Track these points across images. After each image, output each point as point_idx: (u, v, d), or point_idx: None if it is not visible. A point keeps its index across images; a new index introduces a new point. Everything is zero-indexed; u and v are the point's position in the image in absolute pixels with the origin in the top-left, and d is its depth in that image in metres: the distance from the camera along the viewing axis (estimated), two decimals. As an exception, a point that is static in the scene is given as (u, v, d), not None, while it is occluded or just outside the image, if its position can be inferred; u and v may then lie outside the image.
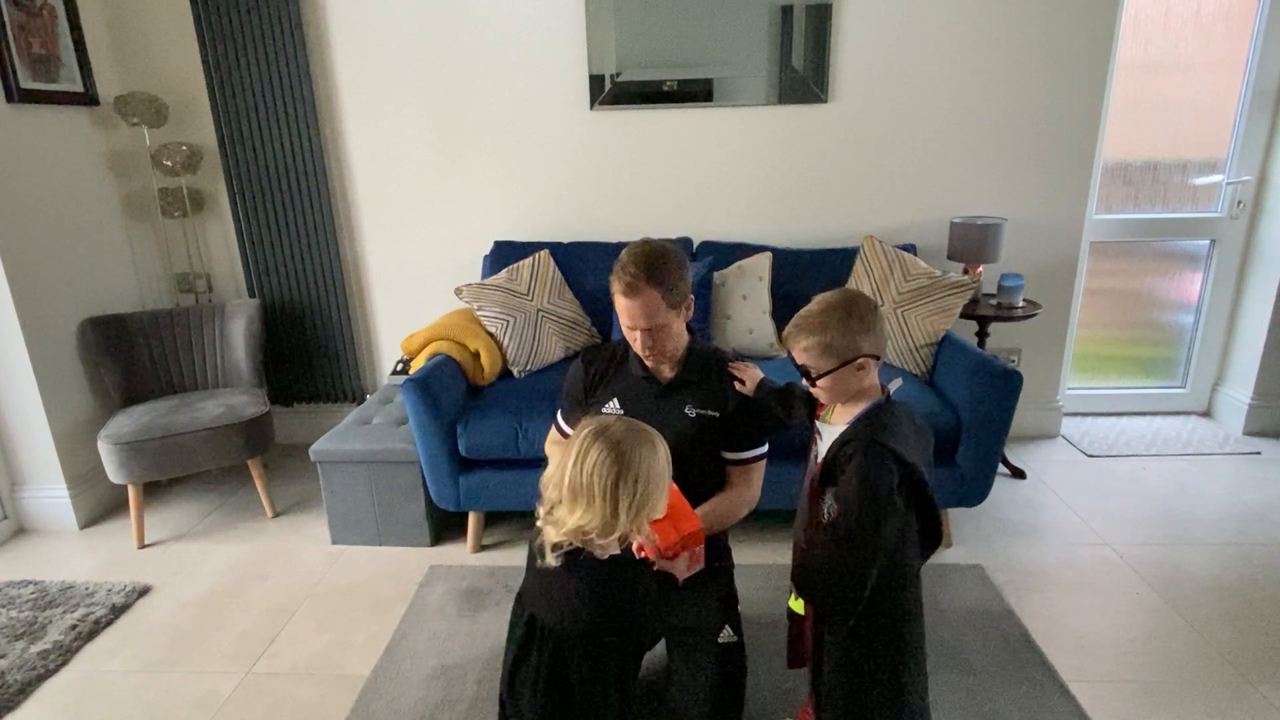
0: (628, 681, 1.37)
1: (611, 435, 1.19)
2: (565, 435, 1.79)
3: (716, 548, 1.74)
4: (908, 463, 1.28)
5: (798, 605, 1.51)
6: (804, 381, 1.40)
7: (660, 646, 1.80)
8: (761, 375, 1.66)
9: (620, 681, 1.34)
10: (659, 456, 1.21)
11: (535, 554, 1.26)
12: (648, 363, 1.67)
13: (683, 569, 1.40)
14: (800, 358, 1.36)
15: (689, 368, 1.68)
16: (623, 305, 1.58)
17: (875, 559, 1.27)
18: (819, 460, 1.39)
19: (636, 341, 1.63)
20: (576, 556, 1.21)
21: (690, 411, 1.65)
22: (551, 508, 1.22)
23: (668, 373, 1.69)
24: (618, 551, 1.23)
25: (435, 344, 2.49)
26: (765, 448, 1.73)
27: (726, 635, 1.62)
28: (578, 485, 1.17)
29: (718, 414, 1.66)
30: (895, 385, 1.42)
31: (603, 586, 1.23)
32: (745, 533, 2.31)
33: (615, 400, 1.71)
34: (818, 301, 1.37)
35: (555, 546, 1.21)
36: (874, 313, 1.34)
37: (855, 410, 1.36)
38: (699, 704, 1.55)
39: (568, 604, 1.26)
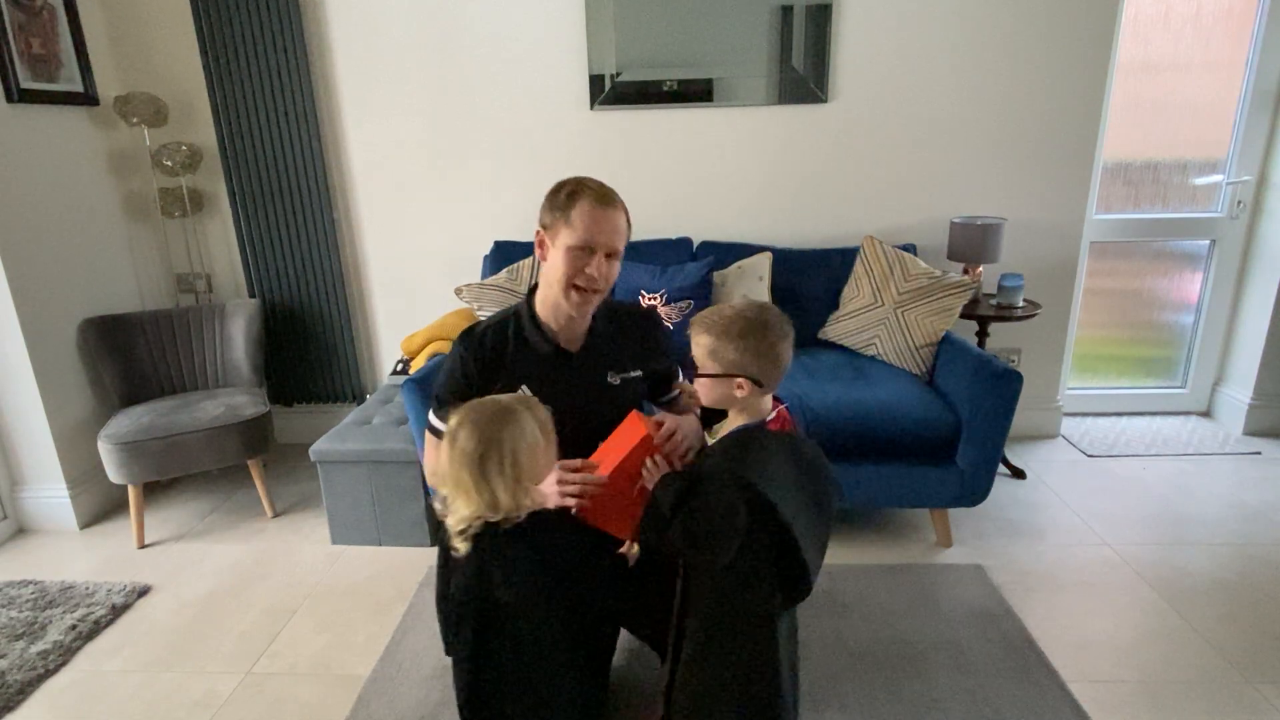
0: (586, 655, 1.38)
1: (473, 423, 1.23)
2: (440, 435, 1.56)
3: None
4: (756, 493, 1.20)
5: None
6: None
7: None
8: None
9: (574, 650, 1.34)
10: (525, 428, 1.25)
11: (450, 547, 1.29)
12: (583, 307, 1.48)
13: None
14: (693, 349, 1.39)
15: (596, 333, 1.57)
16: (593, 218, 1.39)
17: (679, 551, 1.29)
18: None
19: (586, 271, 1.42)
20: (497, 530, 1.24)
21: (613, 379, 1.56)
22: (445, 501, 1.26)
23: (577, 344, 1.55)
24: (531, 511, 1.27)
25: (435, 344, 2.49)
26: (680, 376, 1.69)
27: None
28: (456, 478, 1.22)
29: (640, 372, 1.59)
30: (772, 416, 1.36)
31: (541, 539, 1.27)
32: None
33: (524, 386, 1.53)
34: (732, 307, 1.36)
35: (460, 533, 1.25)
36: (777, 341, 1.32)
37: (735, 425, 1.37)
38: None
39: (523, 570, 1.27)
